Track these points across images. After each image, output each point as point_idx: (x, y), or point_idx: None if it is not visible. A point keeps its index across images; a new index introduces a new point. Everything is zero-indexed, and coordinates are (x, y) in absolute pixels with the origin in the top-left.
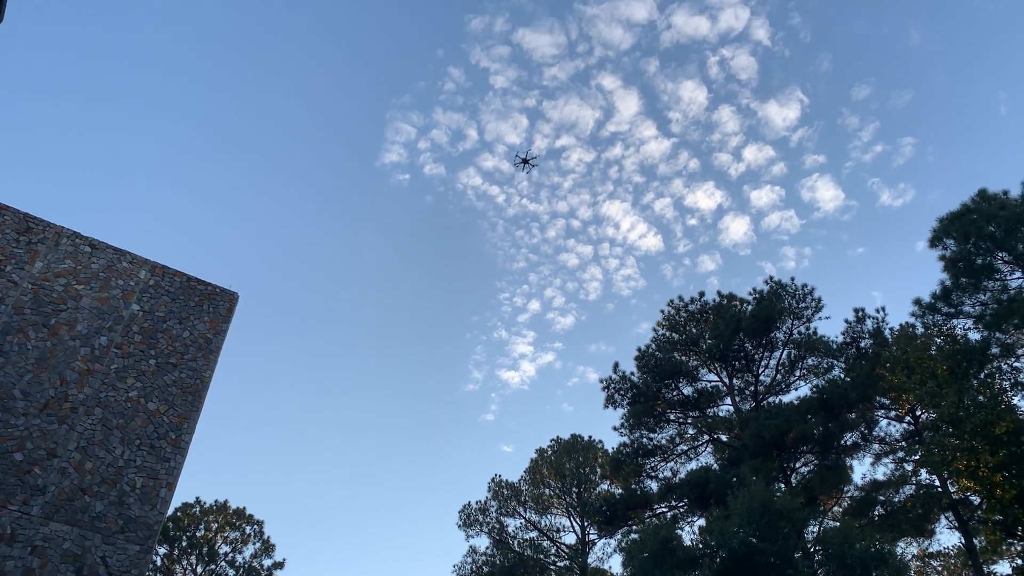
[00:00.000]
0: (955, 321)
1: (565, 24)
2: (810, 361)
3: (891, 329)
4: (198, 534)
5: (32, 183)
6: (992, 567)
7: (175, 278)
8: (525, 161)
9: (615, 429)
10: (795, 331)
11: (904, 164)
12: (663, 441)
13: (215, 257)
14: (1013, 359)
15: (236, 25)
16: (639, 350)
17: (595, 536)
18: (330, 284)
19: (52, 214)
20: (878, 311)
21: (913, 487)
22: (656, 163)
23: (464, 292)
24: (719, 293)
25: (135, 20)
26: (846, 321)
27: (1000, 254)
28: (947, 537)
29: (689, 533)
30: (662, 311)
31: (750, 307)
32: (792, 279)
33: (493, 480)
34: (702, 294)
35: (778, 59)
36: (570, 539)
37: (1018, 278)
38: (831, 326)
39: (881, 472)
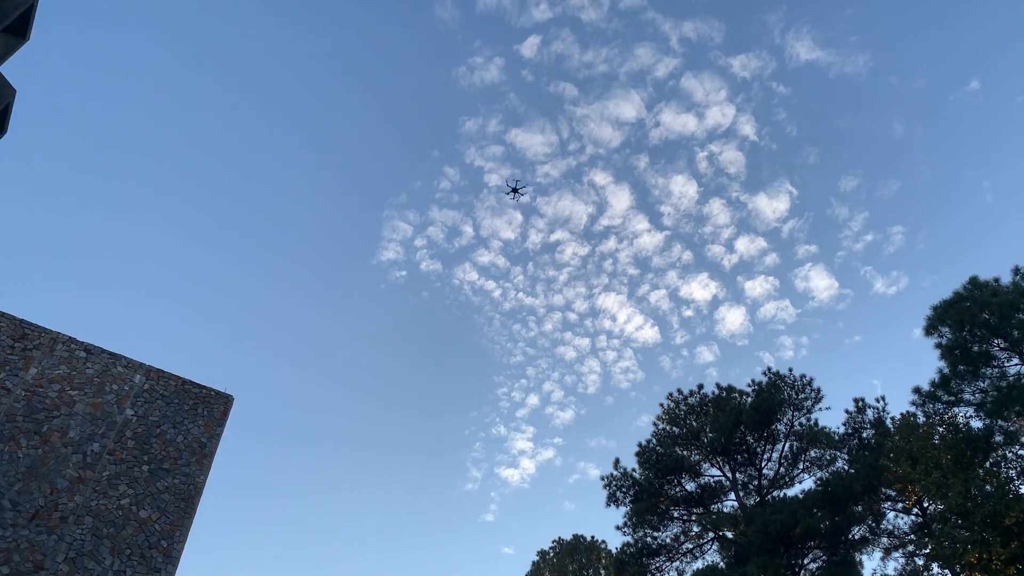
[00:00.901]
0: (956, 409)
1: (556, 124)
2: (813, 453)
3: (892, 418)
4: None
5: (29, 288)
6: None
7: (170, 382)
8: (515, 190)
9: (618, 528)
10: (796, 423)
11: (895, 252)
12: (667, 539)
13: (211, 358)
14: (1018, 447)
15: (236, 126)
16: (640, 445)
17: None
18: (327, 381)
19: (48, 319)
20: (878, 400)
21: None
22: (650, 255)
23: (462, 387)
24: (718, 385)
25: (139, 130)
26: (847, 412)
27: (996, 341)
28: None
29: None
30: (661, 404)
31: (750, 399)
32: (790, 370)
33: None
34: (701, 387)
35: (765, 153)
36: None
37: (1016, 364)
38: (832, 416)
39: (892, 567)
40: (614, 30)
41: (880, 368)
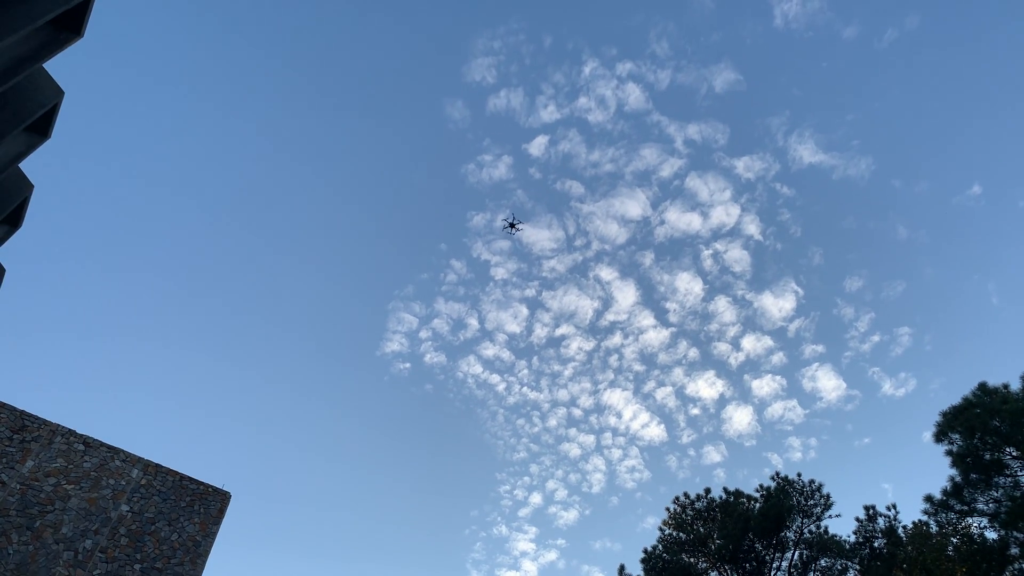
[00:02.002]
0: (969, 519)
1: (563, 220)
2: (823, 562)
3: (904, 527)
4: None
5: (31, 378)
6: None
7: (168, 477)
8: (512, 225)
9: None
10: (806, 530)
11: (903, 353)
12: None
13: (210, 453)
14: None
15: (247, 214)
16: (645, 551)
17: None
18: (327, 477)
19: (48, 410)
20: (890, 508)
21: None
22: (656, 352)
23: (464, 484)
24: (725, 490)
25: (144, 218)
26: (857, 520)
27: (1008, 449)
28: None
29: None
30: (668, 509)
31: (758, 505)
32: (799, 475)
33: None
34: (708, 491)
35: (770, 252)
36: None
37: None
38: (842, 524)
39: None
40: (620, 131)
41: (890, 472)
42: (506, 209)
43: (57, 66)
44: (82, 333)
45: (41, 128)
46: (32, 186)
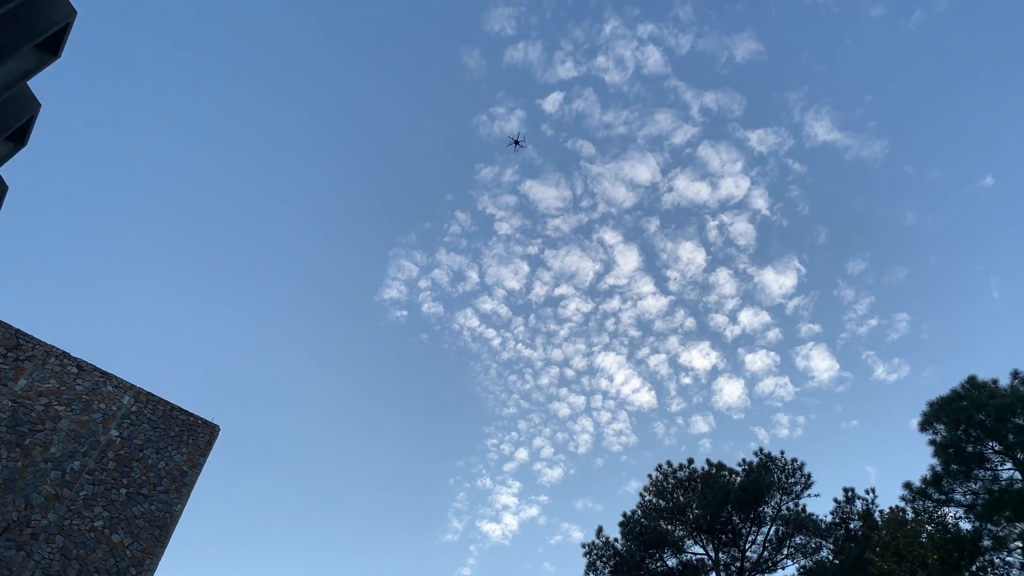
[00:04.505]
0: (946, 508)
1: (571, 180)
2: (798, 539)
3: (881, 511)
4: None
5: (30, 294)
6: None
7: (158, 406)
8: (516, 142)
9: None
10: (784, 507)
11: (899, 339)
12: None
13: (202, 384)
14: (1005, 552)
15: (255, 143)
16: (624, 515)
17: None
18: (317, 415)
19: (44, 331)
20: (868, 492)
21: None
22: (653, 319)
23: (451, 435)
24: (708, 461)
25: (142, 161)
26: (835, 500)
27: (991, 443)
28: None
29: None
30: (650, 476)
31: (739, 479)
32: (782, 452)
33: None
34: (691, 461)
35: (776, 228)
36: None
37: (1009, 469)
38: (821, 503)
39: None
40: (636, 94)
41: (875, 455)
42: (515, 163)
43: None
44: (83, 257)
45: (52, 47)
46: (40, 105)
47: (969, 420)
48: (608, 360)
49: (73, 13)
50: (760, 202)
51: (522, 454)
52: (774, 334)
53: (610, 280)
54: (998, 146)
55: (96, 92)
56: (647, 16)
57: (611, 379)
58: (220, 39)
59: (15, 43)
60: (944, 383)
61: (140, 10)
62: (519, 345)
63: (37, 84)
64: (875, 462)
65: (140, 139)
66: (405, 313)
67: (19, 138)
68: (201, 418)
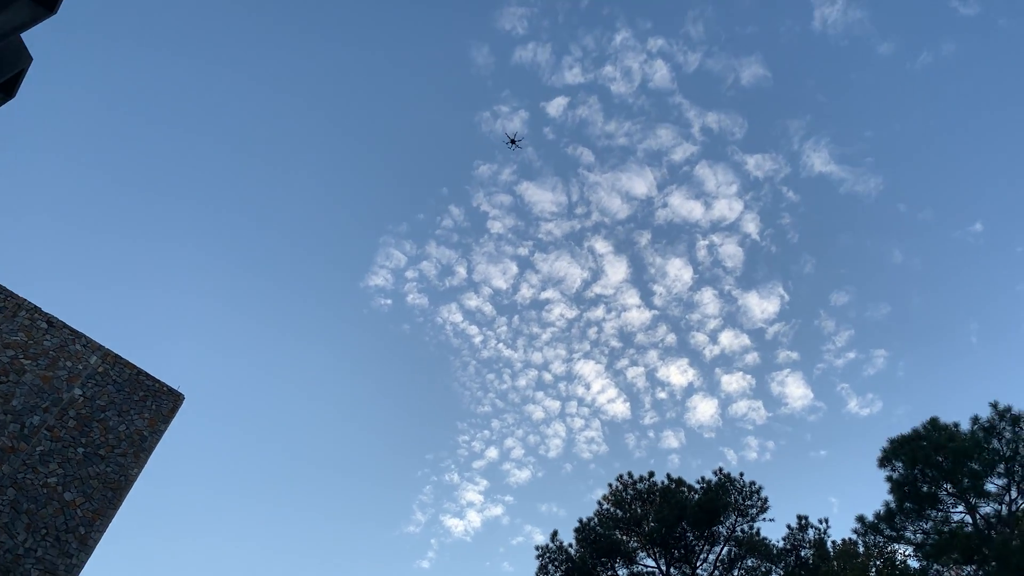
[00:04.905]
0: (896, 545)
1: (568, 185)
2: (749, 562)
3: (834, 542)
4: None
5: (6, 250)
6: None
7: (125, 369)
8: (513, 141)
9: None
10: (738, 528)
11: (874, 375)
12: None
13: (174, 352)
14: None
15: (254, 127)
16: (580, 522)
17: None
18: (290, 393)
19: (18, 283)
20: (821, 522)
21: None
22: (635, 331)
23: (423, 427)
24: (668, 476)
25: (131, 134)
26: (788, 527)
27: (945, 485)
28: None
29: None
30: (610, 485)
31: (697, 496)
32: (741, 474)
33: None
34: (651, 474)
35: (764, 254)
36: None
37: (960, 512)
38: (775, 529)
39: None
40: (640, 107)
41: (839, 487)
42: (513, 163)
43: None
44: (65, 214)
45: (48, 2)
46: (31, 59)
47: (926, 460)
48: (587, 368)
49: None
50: (751, 226)
51: (492, 453)
52: (752, 357)
53: (597, 289)
54: (990, 193)
55: (89, 54)
56: (658, 30)
57: (588, 387)
58: (225, 21)
59: None
60: (915, 422)
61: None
62: (500, 345)
63: (32, 39)
64: (839, 493)
65: (129, 109)
66: (389, 302)
67: (8, 89)
68: (167, 385)
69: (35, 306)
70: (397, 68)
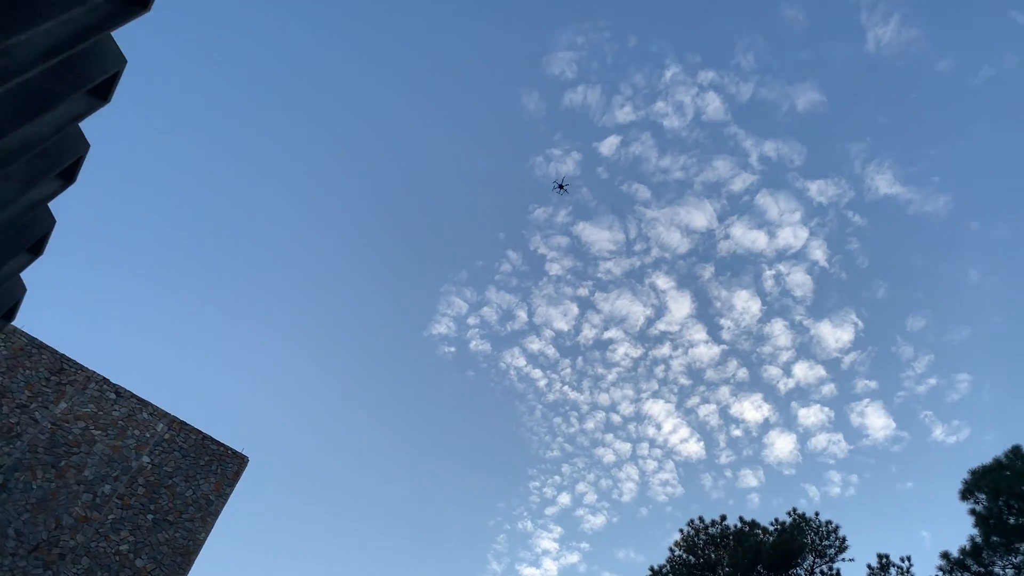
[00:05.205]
0: None
1: (625, 223)
2: None
3: None
4: None
5: (74, 322)
6: None
7: (191, 435)
8: (561, 187)
9: None
10: (817, 569)
11: (959, 401)
12: None
13: (237, 414)
14: None
15: (317, 178)
16: (652, 569)
17: None
18: (356, 449)
19: (86, 356)
20: (903, 560)
21: None
22: (704, 368)
23: (494, 475)
24: (741, 519)
25: (195, 186)
26: (868, 567)
27: None
28: None
29: None
30: (681, 530)
31: (772, 539)
32: (816, 514)
33: None
34: (724, 517)
35: (834, 281)
36: None
37: None
38: (855, 569)
39: None
40: (694, 139)
41: (930, 520)
42: (568, 205)
43: (123, 34)
44: (129, 286)
45: (102, 92)
46: (88, 145)
47: (1010, 491)
48: (656, 407)
49: (124, 62)
50: (818, 253)
51: (564, 499)
52: (829, 389)
53: (661, 326)
54: None
55: (144, 135)
56: (708, 63)
57: (659, 427)
58: (280, 69)
59: (67, 89)
60: (1006, 447)
61: (185, 56)
62: (565, 387)
63: (86, 126)
64: (931, 527)
65: (197, 169)
66: (453, 349)
67: (69, 176)
68: (231, 448)
69: (104, 377)
70: (449, 117)
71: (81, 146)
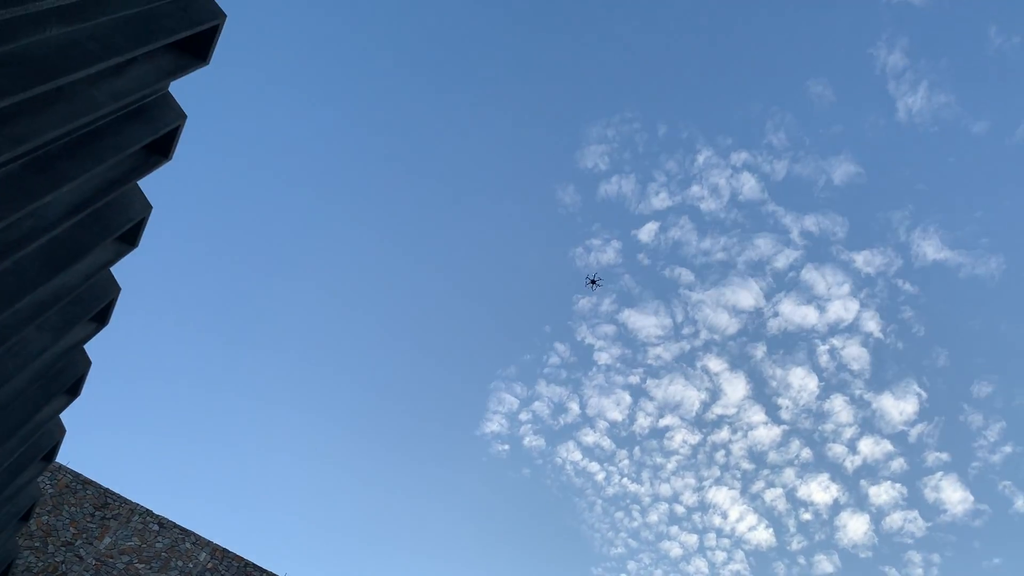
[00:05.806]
0: None
1: (671, 307)
2: None
3: None
4: None
5: (116, 458)
6: None
7: (233, 562)
8: (593, 282)
9: None
10: None
11: None
12: None
13: (280, 530)
14: None
15: (364, 280)
16: None
17: None
18: (412, 562)
19: (131, 488)
20: None
21: None
22: (766, 450)
23: None
24: None
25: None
26: None
27: None
28: None
29: None
30: None
31: None
32: None
33: None
34: None
35: (891, 351)
36: None
37: None
38: None
39: None
40: (733, 220)
41: None
42: (612, 293)
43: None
44: (169, 419)
45: (129, 238)
46: (119, 288)
47: None
48: (720, 495)
49: (149, 208)
50: (872, 324)
51: None
52: (898, 464)
53: (717, 410)
54: None
55: (172, 274)
56: (740, 144)
57: (725, 515)
58: (320, 173)
59: (96, 238)
60: None
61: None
62: (624, 479)
63: (116, 269)
64: None
65: (237, 288)
66: (507, 447)
67: (101, 319)
68: (274, 574)
69: (147, 509)
70: (487, 219)
71: (112, 290)
